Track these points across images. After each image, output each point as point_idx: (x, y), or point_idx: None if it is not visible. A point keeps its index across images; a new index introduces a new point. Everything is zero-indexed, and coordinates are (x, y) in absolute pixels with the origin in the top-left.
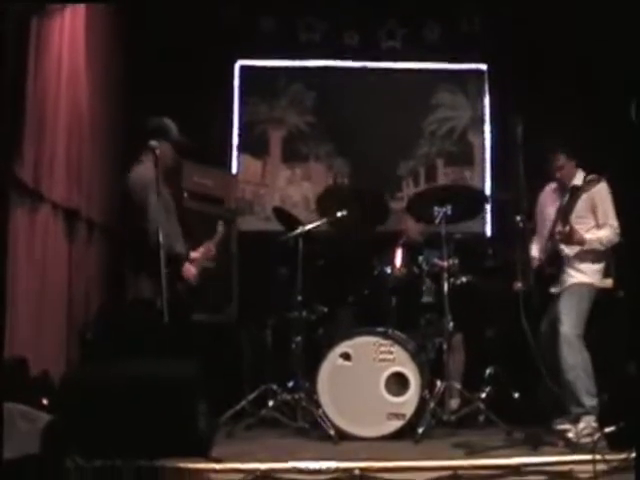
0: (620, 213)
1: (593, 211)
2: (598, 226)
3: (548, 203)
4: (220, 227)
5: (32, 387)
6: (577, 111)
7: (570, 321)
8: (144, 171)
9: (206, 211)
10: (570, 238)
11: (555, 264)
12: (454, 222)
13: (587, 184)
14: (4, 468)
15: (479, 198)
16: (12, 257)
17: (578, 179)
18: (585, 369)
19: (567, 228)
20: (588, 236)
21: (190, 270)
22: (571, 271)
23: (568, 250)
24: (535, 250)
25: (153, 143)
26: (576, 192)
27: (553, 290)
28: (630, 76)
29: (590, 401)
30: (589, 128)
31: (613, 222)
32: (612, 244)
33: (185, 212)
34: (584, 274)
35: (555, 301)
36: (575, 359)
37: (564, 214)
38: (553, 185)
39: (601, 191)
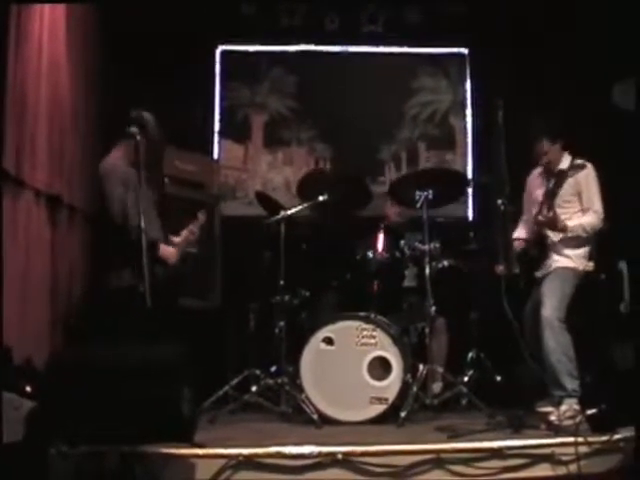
0: (603, 196)
1: (578, 196)
2: (583, 211)
3: (535, 187)
4: (201, 215)
5: (15, 374)
6: (559, 95)
7: (552, 304)
8: (115, 159)
9: (188, 196)
10: (553, 224)
11: (539, 247)
12: (436, 206)
13: (573, 169)
14: None
15: (461, 181)
16: None
17: (564, 163)
18: (566, 352)
19: (551, 214)
20: (571, 224)
21: (168, 251)
22: (556, 256)
23: (553, 235)
24: (522, 232)
25: (133, 129)
26: (562, 176)
27: (537, 274)
28: (612, 60)
29: (572, 384)
30: (571, 112)
31: (597, 208)
32: (595, 230)
33: (166, 197)
34: (569, 259)
35: (539, 285)
36: (557, 342)
37: (550, 198)
38: (540, 169)
39: (587, 176)
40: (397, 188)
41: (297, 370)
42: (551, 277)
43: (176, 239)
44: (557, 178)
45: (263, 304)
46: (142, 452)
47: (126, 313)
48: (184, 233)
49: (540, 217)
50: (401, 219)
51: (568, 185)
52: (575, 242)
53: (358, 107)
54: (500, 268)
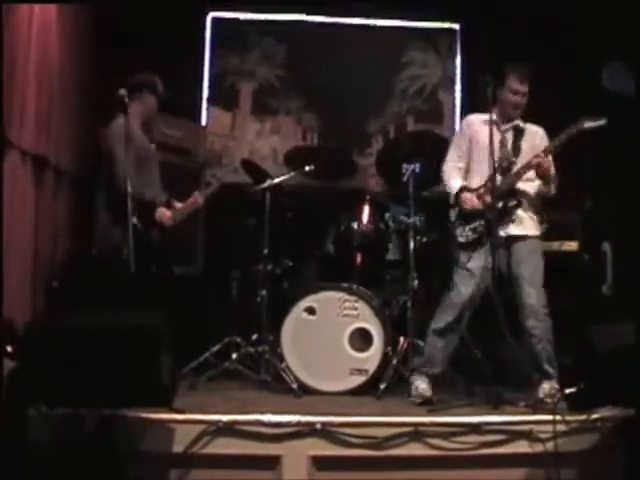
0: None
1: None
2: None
3: (480, 133)
4: (214, 182)
5: None
6: (549, 73)
7: (536, 291)
8: (122, 123)
9: (174, 162)
10: (549, 170)
11: (509, 198)
12: (425, 186)
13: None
14: None
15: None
16: None
17: (519, 121)
18: (549, 337)
19: (548, 158)
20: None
21: (165, 214)
22: (525, 215)
23: (529, 189)
24: (472, 182)
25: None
26: (520, 133)
27: (501, 233)
28: (603, 39)
29: (551, 368)
30: (561, 89)
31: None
32: (547, 197)
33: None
34: (534, 224)
35: (508, 243)
36: (542, 330)
37: (516, 153)
38: (483, 117)
39: (541, 144)
40: (383, 159)
41: (278, 339)
42: (524, 255)
43: (178, 204)
44: (516, 132)
45: (245, 272)
46: (121, 416)
47: (109, 276)
48: (190, 200)
49: (539, 160)
50: (381, 188)
51: (527, 146)
52: (538, 204)
53: (347, 79)
54: None
